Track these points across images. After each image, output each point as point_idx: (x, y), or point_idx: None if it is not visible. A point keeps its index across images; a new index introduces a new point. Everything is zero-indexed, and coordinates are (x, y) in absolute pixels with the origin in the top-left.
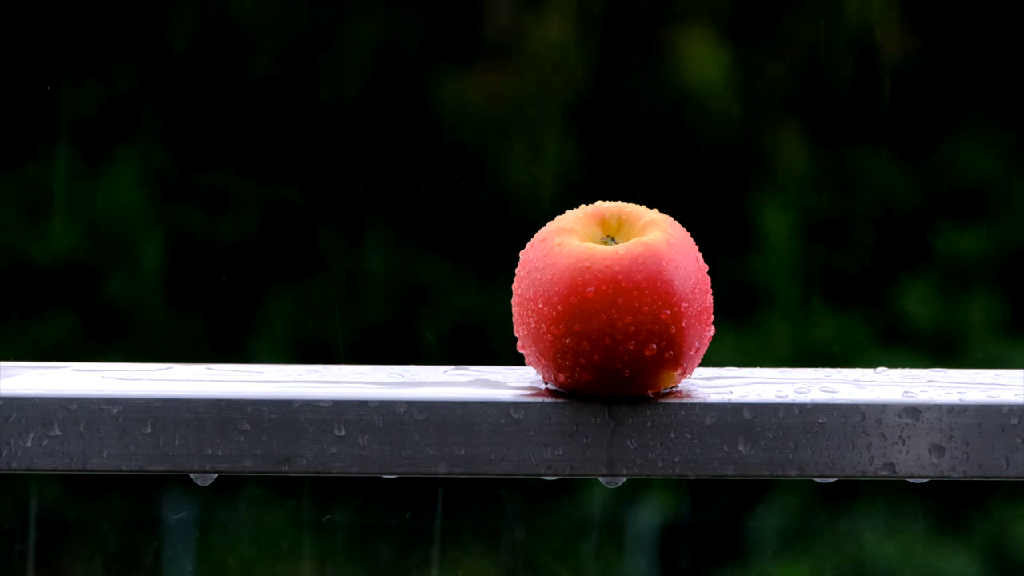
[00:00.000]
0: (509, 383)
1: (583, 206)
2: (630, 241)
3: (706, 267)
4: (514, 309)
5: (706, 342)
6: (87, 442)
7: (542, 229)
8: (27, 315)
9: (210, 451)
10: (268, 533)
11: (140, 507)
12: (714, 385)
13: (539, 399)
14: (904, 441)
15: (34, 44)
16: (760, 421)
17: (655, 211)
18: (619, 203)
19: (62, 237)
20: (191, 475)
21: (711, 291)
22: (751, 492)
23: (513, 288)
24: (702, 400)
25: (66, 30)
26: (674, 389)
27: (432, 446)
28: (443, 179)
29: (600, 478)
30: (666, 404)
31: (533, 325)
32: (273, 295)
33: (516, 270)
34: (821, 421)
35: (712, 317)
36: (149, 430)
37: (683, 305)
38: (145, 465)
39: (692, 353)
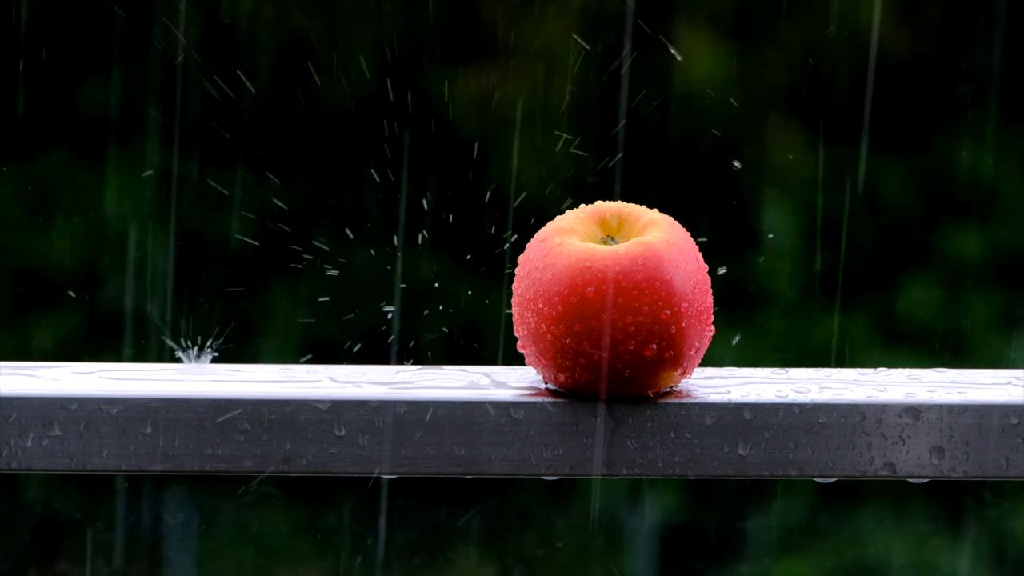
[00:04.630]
0: (509, 383)
1: (583, 206)
2: (630, 241)
3: (706, 267)
4: (514, 309)
5: (706, 342)
6: (87, 442)
7: (542, 229)
8: (28, 315)
9: (210, 451)
10: (267, 533)
11: (140, 507)
12: (714, 385)
13: (539, 399)
14: (904, 441)
15: (38, 45)
16: (760, 421)
17: (655, 211)
18: (619, 203)
19: (63, 237)
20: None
21: (711, 291)
22: (752, 492)
23: (513, 288)
24: (702, 400)
25: (69, 31)
26: (674, 389)
27: (432, 446)
28: (443, 179)
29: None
30: (666, 404)
31: (533, 325)
32: (274, 295)
33: (516, 270)
34: (821, 421)
35: (712, 317)
36: (149, 430)
37: (683, 305)
38: (145, 465)
39: (692, 353)
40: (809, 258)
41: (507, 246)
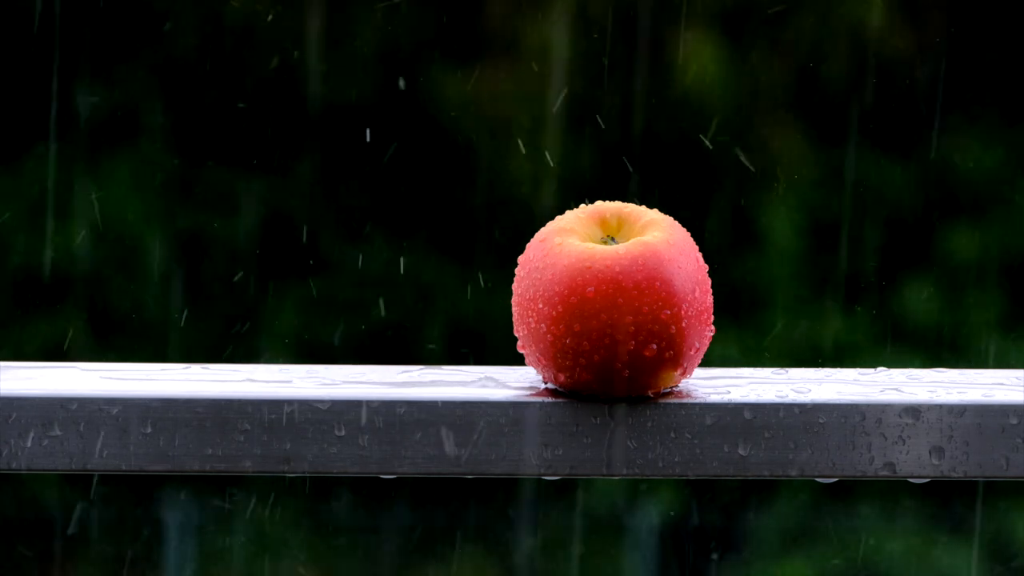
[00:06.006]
0: (509, 383)
1: (583, 206)
2: (630, 241)
3: (706, 267)
4: (514, 309)
5: (706, 342)
6: (87, 442)
7: (542, 229)
8: (28, 315)
9: (210, 451)
10: (267, 533)
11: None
12: (714, 385)
13: (539, 399)
14: (904, 441)
15: (37, 45)
16: (760, 421)
17: (655, 211)
18: (619, 203)
19: (64, 237)
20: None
21: (711, 291)
22: (752, 492)
23: (513, 288)
24: (702, 400)
25: (68, 31)
26: (674, 389)
27: (432, 446)
28: (443, 179)
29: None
30: (666, 404)
31: (533, 325)
32: (274, 295)
33: (516, 270)
34: (821, 421)
35: (712, 317)
36: (149, 430)
37: (683, 305)
38: (145, 465)
39: (692, 353)
40: (809, 258)
41: (507, 246)
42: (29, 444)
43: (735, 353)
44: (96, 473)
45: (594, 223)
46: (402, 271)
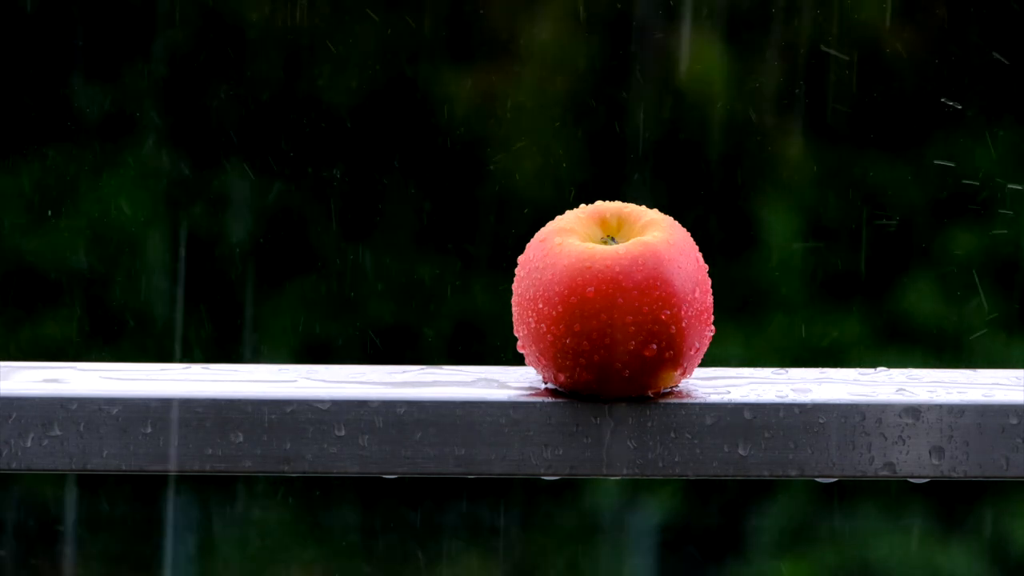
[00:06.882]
0: (509, 383)
1: (583, 206)
2: (630, 241)
3: (706, 267)
4: (514, 309)
5: (706, 342)
6: (87, 442)
7: (542, 229)
8: (28, 315)
9: (210, 451)
10: (267, 533)
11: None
12: (714, 385)
13: (539, 399)
14: (904, 441)
15: (38, 44)
16: (760, 421)
17: (655, 211)
18: (619, 203)
19: (63, 237)
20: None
21: (711, 291)
22: (752, 492)
23: (513, 288)
24: (702, 400)
25: (69, 30)
26: (674, 389)
27: (432, 446)
28: (443, 179)
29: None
30: (666, 404)
31: (533, 325)
32: (274, 295)
33: (516, 270)
34: (821, 421)
35: (712, 317)
36: (149, 430)
37: (683, 305)
38: (145, 465)
39: (692, 353)
40: (809, 258)
41: (507, 246)
42: (29, 444)
43: (735, 353)
44: (96, 473)
45: (594, 223)
46: (402, 271)
